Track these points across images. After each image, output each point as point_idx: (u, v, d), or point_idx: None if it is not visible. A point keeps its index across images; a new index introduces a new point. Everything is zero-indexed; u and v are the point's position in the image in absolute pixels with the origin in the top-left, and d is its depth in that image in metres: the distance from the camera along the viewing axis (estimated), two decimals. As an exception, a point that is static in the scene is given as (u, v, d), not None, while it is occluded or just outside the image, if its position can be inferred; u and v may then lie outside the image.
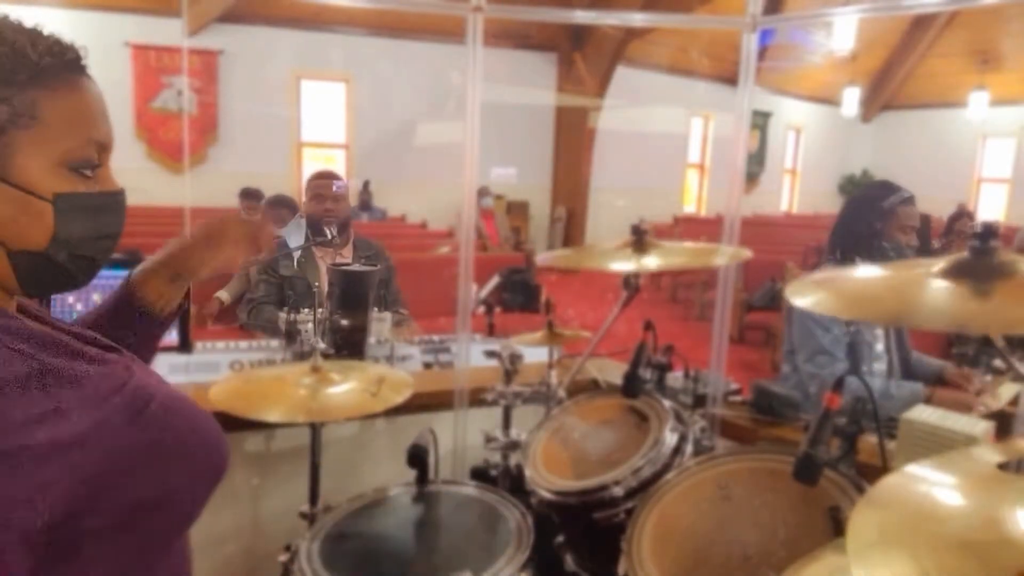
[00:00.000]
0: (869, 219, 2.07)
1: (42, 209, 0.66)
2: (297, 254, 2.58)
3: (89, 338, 0.78)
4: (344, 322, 1.95)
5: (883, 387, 1.97)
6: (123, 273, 1.00)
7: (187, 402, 0.77)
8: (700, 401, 1.82)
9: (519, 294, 5.52)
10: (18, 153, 0.65)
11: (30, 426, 0.60)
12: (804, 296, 0.88)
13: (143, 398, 0.70)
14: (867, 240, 2.05)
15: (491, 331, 3.22)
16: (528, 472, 1.53)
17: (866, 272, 0.98)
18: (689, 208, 13.01)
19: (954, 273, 0.84)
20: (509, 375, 1.78)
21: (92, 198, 0.70)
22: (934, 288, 0.82)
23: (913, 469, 0.71)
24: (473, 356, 2.03)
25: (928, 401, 1.89)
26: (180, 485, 0.72)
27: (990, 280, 0.81)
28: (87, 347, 0.74)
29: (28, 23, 0.68)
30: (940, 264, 0.87)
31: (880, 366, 2.10)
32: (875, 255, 2.03)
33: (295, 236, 2.67)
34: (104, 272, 1.69)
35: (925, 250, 1.89)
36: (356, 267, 2.23)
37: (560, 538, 1.52)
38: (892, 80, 13.87)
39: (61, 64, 0.67)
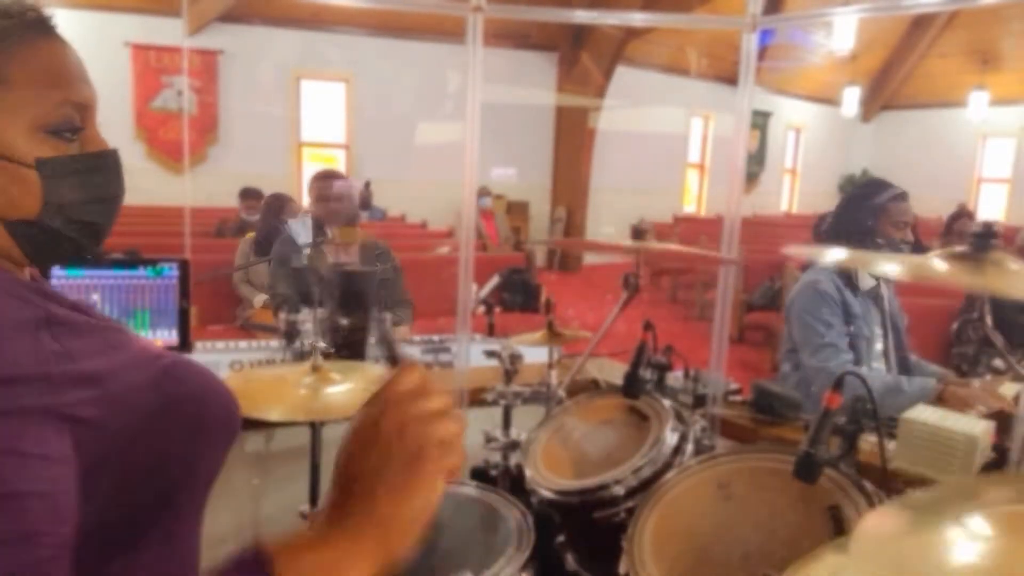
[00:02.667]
0: (860, 217, 2.08)
1: (27, 176, 0.65)
2: (306, 250, 2.59)
3: (83, 307, 0.78)
4: (344, 322, 1.95)
5: (895, 382, 1.96)
6: (124, 273, 0.98)
7: (196, 364, 0.76)
8: (700, 401, 1.83)
9: (519, 294, 5.51)
10: None
11: (48, 361, 0.60)
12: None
13: (153, 355, 0.70)
14: (860, 238, 2.06)
15: (491, 331, 3.22)
16: (529, 472, 1.53)
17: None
18: (689, 208, 13.00)
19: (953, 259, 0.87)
20: (509, 375, 1.78)
21: (76, 161, 0.68)
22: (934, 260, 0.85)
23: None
24: (473, 356, 2.03)
25: (940, 396, 1.88)
26: (194, 445, 0.72)
27: (983, 264, 0.84)
28: (91, 311, 0.74)
29: None
30: (938, 255, 0.89)
31: (879, 365, 2.10)
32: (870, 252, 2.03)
33: (301, 233, 2.68)
34: (105, 272, 1.70)
35: (917, 249, 1.89)
36: (356, 267, 2.24)
37: (560, 538, 1.53)
38: (892, 80, 13.87)
39: (21, 25, 0.65)
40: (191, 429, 0.72)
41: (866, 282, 2.10)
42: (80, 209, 0.68)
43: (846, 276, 2.08)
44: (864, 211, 2.08)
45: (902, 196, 2.09)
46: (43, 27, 0.67)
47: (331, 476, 0.63)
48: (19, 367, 0.58)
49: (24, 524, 0.55)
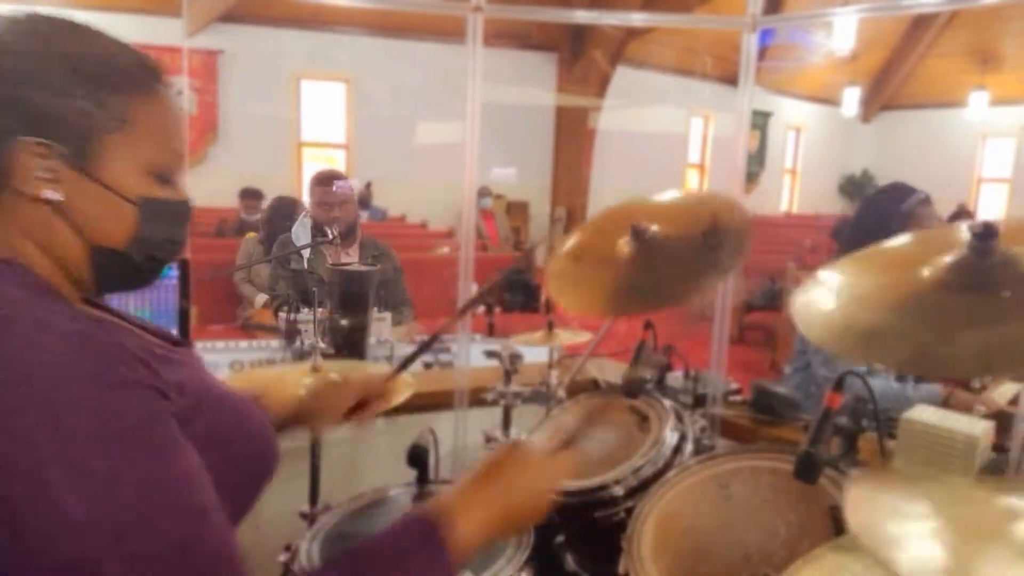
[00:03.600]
0: (886, 223, 2.04)
1: (127, 210, 0.71)
2: (306, 252, 2.59)
3: (151, 329, 0.81)
4: (344, 322, 1.95)
5: (900, 390, 1.95)
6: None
7: (242, 399, 0.80)
8: (700, 401, 1.82)
9: (519, 294, 5.51)
10: (109, 155, 0.69)
11: (117, 391, 0.62)
12: (815, 331, 0.86)
13: (201, 392, 0.73)
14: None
15: (491, 331, 3.21)
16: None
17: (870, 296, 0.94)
18: (689, 208, 12.98)
19: (958, 281, 0.82)
20: (509, 375, 1.78)
21: (171, 204, 0.75)
22: (950, 322, 0.77)
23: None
24: (473, 356, 2.03)
25: (946, 402, 1.87)
26: (231, 481, 0.74)
27: (997, 289, 0.78)
28: (152, 339, 0.76)
29: (114, 34, 0.73)
30: (942, 268, 0.86)
31: (881, 366, 2.09)
32: None
33: (301, 235, 2.69)
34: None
35: None
36: (356, 267, 2.24)
37: (560, 538, 1.52)
38: (892, 80, 13.87)
39: (149, 75, 0.73)
40: (233, 465, 0.74)
41: None
42: (159, 247, 0.75)
43: None
44: (890, 217, 2.03)
45: (927, 200, 2.06)
46: (162, 79, 0.75)
47: (479, 465, 0.88)
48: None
49: (203, 499, 0.64)
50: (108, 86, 0.69)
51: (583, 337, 1.96)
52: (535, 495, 0.86)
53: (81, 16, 0.73)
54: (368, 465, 1.97)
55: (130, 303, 1.71)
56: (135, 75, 0.71)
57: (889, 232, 2.03)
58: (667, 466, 1.39)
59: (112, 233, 0.71)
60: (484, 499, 0.82)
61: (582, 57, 9.88)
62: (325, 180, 2.69)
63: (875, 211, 2.12)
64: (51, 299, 0.68)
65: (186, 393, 0.70)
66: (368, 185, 9.21)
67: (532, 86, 10.03)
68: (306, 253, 2.60)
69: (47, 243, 0.70)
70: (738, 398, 1.90)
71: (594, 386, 2.03)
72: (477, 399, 1.92)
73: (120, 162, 0.70)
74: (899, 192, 2.09)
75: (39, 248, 0.70)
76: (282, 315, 2.05)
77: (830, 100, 13.22)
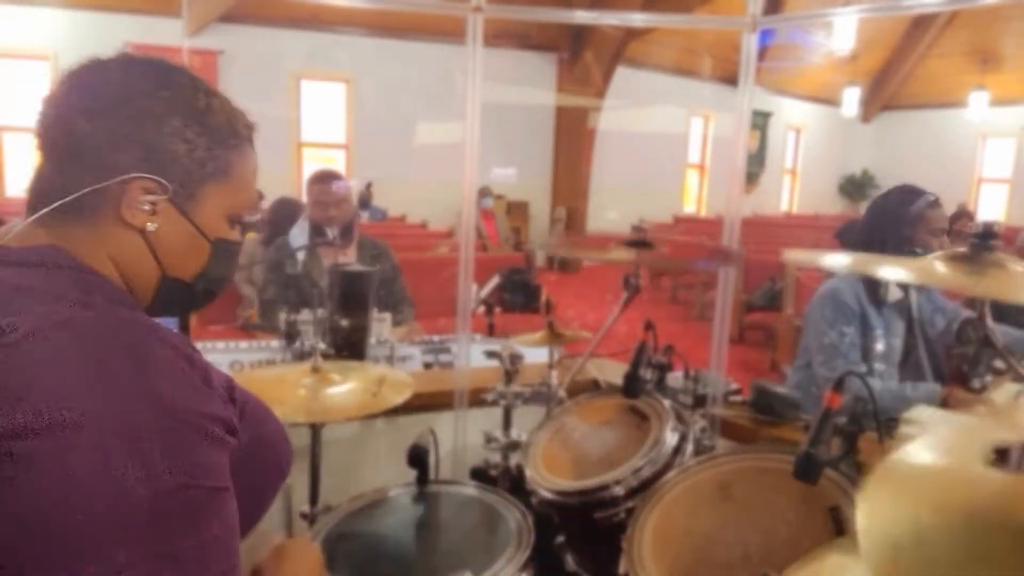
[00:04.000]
0: (896, 226, 2.02)
1: (204, 248, 0.79)
2: (301, 255, 2.57)
3: None
4: (344, 322, 1.95)
5: (899, 390, 1.95)
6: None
7: (267, 407, 0.84)
8: (700, 401, 1.82)
9: (519, 294, 5.51)
10: (205, 199, 0.78)
11: (193, 398, 0.66)
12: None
13: (243, 399, 0.77)
14: (896, 247, 2.02)
15: (491, 331, 3.22)
16: (529, 472, 1.53)
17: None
18: (689, 208, 13.01)
19: (952, 261, 0.87)
20: (509, 375, 1.78)
21: (234, 245, 0.84)
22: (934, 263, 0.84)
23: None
24: (473, 356, 2.03)
25: (945, 402, 1.86)
26: (256, 486, 0.78)
27: (983, 266, 0.83)
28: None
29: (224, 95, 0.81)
30: (940, 257, 0.89)
31: (880, 366, 2.09)
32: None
33: (298, 237, 2.67)
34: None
35: None
36: (356, 267, 2.23)
37: (560, 538, 1.52)
38: (892, 80, 13.87)
39: (248, 136, 0.82)
40: (256, 471, 0.77)
41: (893, 294, 2.06)
42: (215, 281, 0.83)
43: (872, 289, 2.04)
44: (899, 220, 2.02)
45: (937, 202, 2.05)
46: (252, 140, 0.84)
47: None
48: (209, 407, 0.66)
49: (235, 557, 0.66)
50: (223, 141, 0.78)
51: (583, 337, 1.96)
52: None
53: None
54: (368, 465, 1.97)
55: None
56: (240, 133, 0.80)
57: (898, 234, 2.04)
58: (667, 466, 1.39)
59: (187, 266, 0.79)
60: None
61: (582, 57, 9.88)
62: (321, 179, 2.66)
63: (884, 213, 2.11)
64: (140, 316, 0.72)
65: (236, 396, 0.74)
66: (368, 185, 9.21)
67: (532, 86, 10.03)
68: (302, 254, 2.58)
69: (128, 266, 0.75)
70: (738, 398, 1.90)
71: (594, 386, 2.03)
72: (477, 399, 1.92)
73: (211, 206, 0.78)
74: (908, 194, 2.08)
75: (118, 269, 0.75)
76: (282, 315, 2.05)
77: (830, 100, 13.23)
